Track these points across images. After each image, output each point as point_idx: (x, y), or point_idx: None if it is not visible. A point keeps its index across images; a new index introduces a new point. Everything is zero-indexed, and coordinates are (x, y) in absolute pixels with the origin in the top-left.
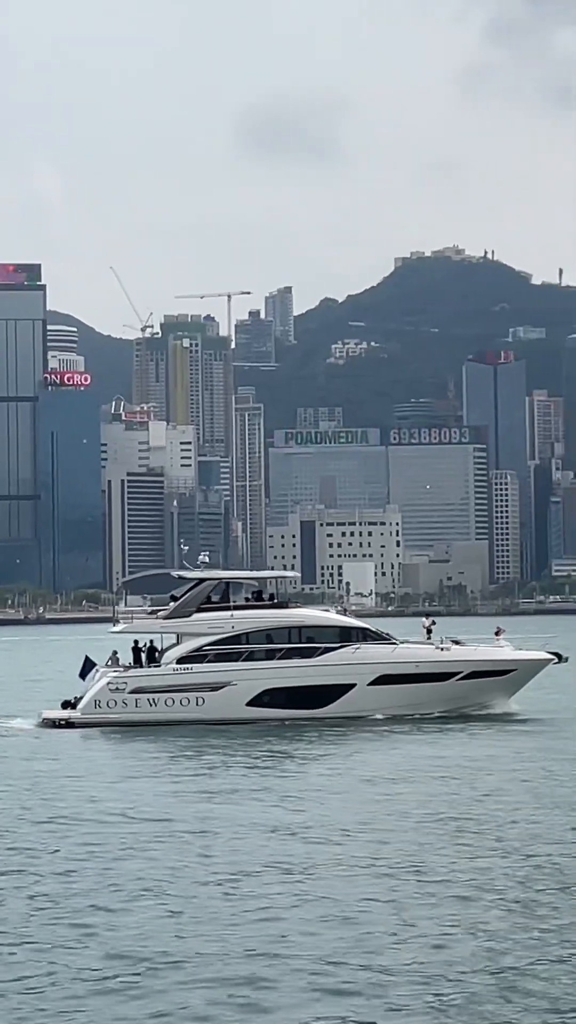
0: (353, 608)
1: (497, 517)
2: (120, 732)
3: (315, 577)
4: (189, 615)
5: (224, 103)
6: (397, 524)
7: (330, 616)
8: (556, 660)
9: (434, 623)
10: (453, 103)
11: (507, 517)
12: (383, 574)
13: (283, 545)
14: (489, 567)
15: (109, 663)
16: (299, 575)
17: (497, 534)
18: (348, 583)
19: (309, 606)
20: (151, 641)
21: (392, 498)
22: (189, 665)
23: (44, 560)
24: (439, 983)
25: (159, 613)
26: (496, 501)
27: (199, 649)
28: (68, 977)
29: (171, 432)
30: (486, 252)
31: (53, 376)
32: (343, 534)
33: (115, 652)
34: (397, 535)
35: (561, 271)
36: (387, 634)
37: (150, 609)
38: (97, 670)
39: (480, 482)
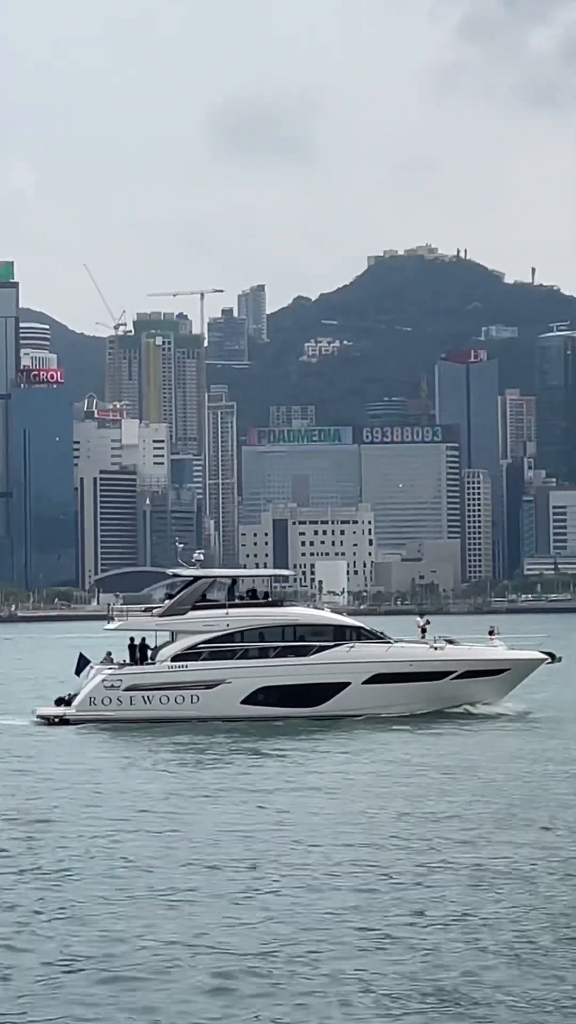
0: (326, 607)
1: (469, 516)
2: (114, 729)
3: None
4: (184, 613)
5: (199, 101)
6: (369, 523)
7: (325, 615)
8: (549, 660)
9: (428, 622)
10: (427, 102)
11: (479, 516)
12: (355, 573)
13: (255, 544)
14: (461, 566)
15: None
16: (294, 573)
17: (469, 533)
18: (320, 582)
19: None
20: (143, 638)
21: (364, 497)
22: (184, 663)
23: (16, 558)
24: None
25: (154, 611)
26: (468, 500)
27: (194, 647)
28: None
29: (144, 430)
30: (459, 251)
31: (26, 373)
32: (315, 532)
33: (109, 653)
34: (369, 534)
35: (534, 270)
36: (381, 633)
37: (144, 607)
38: (91, 667)
39: (452, 481)
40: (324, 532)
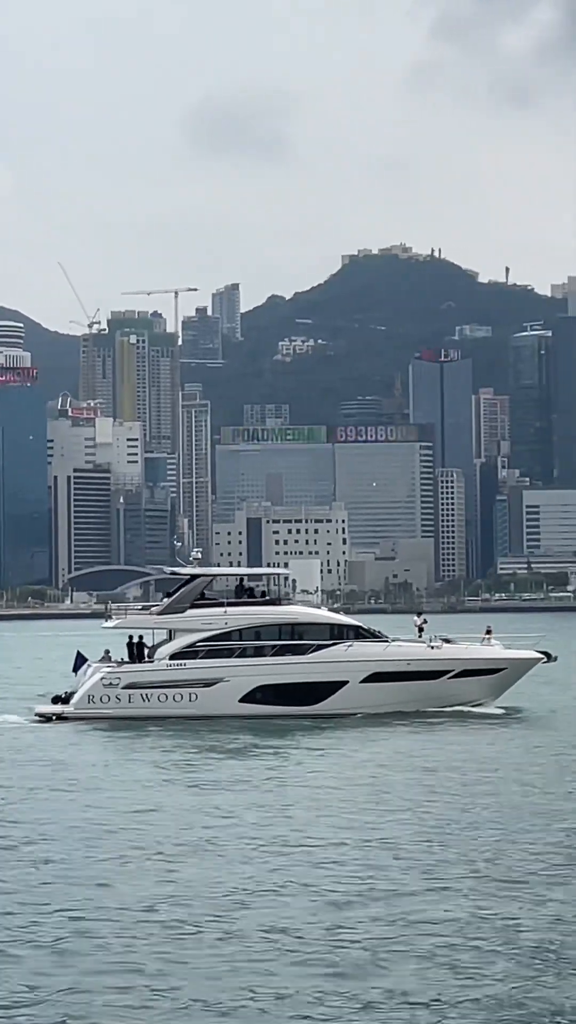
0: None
1: (443, 515)
2: (112, 727)
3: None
4: (182, 611)
5: (173, 100)
6: (343, 521)
7: (322, 613)
8: (545, 659)
9: (426, 621)
10: (402, 101)
11: (453, 515)
12: (329, 571)
13: (229, 542)
14: (435, 565)
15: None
16: (290, 572)
17: (443, 532)
18: (294, 580)
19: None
20: (140, 637)
21: (338, 495)
22: (182, 661)
23: None
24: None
25: (152, 609)
26: (442, 499)
27: (192, 645)
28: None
29: (118, 428)
30: (433, 250)
31: None
32: (289, 531)
33: (107, 650)
34: (343, 532)
35: (508, 270)
36: (378, 632)
37: (141, 605)
38: (89, 665)
39: (426, 480)
40: (298, 531)
